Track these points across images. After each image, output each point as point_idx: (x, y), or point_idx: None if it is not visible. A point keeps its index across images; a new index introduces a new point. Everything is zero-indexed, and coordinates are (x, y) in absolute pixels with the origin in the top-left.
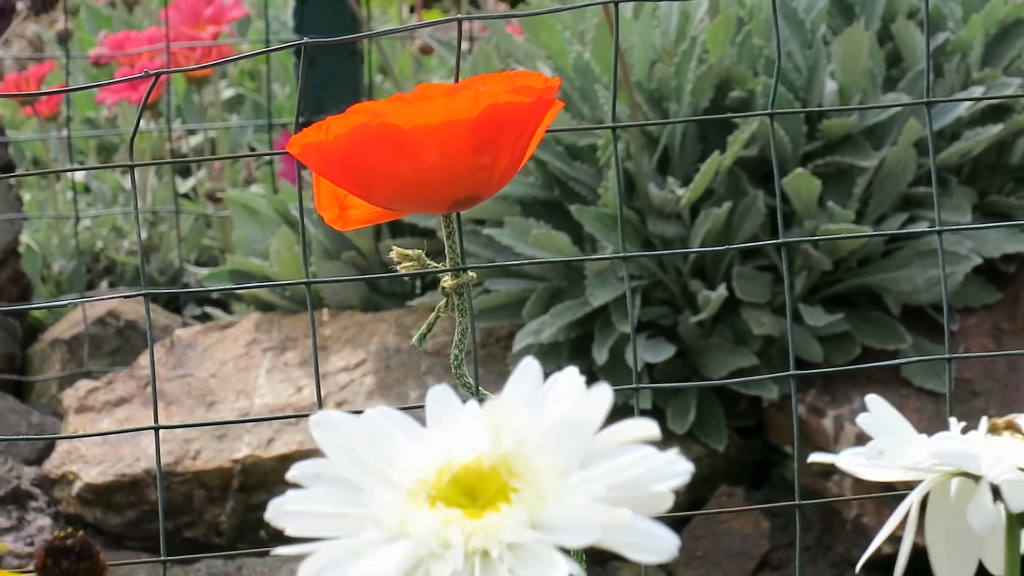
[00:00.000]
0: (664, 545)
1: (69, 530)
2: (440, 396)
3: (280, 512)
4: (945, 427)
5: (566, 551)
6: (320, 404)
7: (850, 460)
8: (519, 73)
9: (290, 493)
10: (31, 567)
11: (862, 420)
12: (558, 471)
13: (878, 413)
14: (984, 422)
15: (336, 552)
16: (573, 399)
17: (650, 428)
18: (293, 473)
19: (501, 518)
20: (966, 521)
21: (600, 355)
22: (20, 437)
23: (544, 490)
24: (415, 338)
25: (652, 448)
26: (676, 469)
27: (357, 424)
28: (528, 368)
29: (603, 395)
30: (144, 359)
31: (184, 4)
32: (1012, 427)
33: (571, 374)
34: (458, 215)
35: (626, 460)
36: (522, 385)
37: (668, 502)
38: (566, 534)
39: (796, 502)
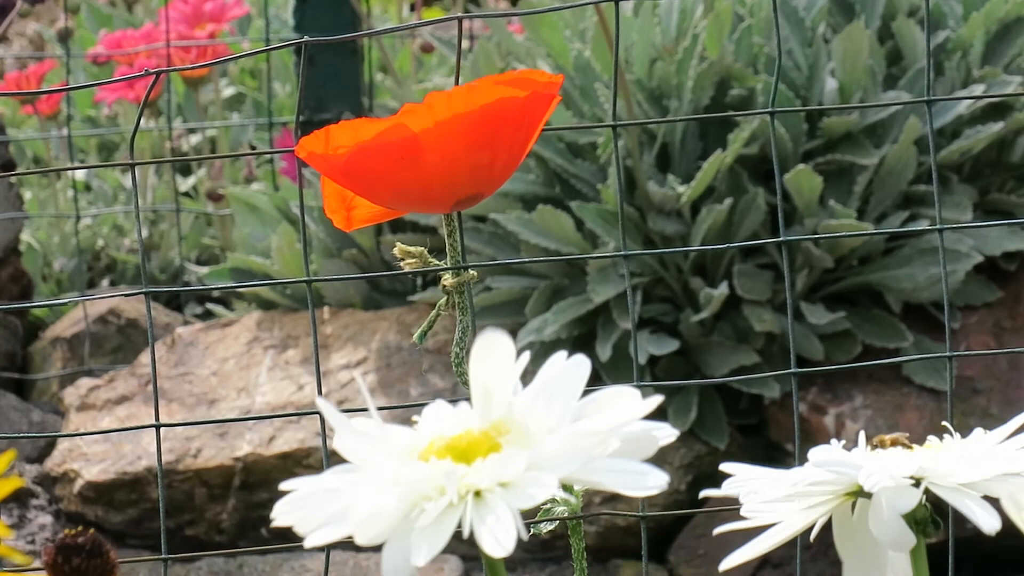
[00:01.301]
0: (648, 481)
1: (79, 528)
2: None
3: (284, 505)
4: (947, 425)
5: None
6: None
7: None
8: (523, 71)
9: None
10: (34, 565)
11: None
12: (545, 427)
13: (737, 472)
14: (862, 438)
15: (324, 493)
16: (556, 369)
17: (633, 394)
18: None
19: (493, 459)
20: (869, 538)
21: (604, 351)
22: (21, 435)
23: (532, 439)
24: (416, 336)
25: (634, 407)
26: (659, 428)
27: (359, 418)
28: (496, 343)
29: (582, 363)
30: (145, 357)
31: (184, 3)
32: (899, 443)
33: (560, 355)
34: (459, 213)
35: (609, 413)
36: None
37: (652, 448)
38: (551, 466)
39: None
